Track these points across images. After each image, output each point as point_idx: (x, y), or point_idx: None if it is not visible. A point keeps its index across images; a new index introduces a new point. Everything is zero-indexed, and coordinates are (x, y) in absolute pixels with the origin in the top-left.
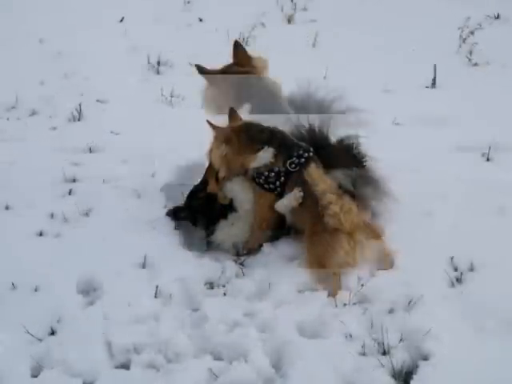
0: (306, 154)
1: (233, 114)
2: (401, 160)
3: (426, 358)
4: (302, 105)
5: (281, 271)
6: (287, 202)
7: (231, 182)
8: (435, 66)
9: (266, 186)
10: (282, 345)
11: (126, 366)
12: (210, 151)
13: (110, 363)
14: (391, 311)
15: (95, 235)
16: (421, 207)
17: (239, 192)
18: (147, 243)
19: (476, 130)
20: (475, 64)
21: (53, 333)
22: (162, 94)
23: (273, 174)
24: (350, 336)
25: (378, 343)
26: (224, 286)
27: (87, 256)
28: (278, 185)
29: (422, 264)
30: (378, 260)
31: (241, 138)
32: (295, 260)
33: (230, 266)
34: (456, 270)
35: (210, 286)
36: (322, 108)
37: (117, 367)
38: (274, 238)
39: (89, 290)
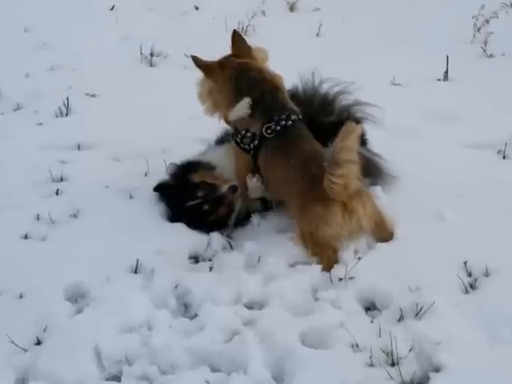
0: (284, 122)
1: (237, 38)
2: (411, 157)
3: (437, 370)
4: (305, 99)
5: (271, 244)
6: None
7: (216, 148)
8: (447, 57)
9: (241, 145)
10: (283, 355)
11: (117, 378)
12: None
13: (100, 375)
14: (400, 319)
15: (84, 238)
16: (433, 208)
17: (223, 158)
18: (139, 246)
19: (491, 126)
20: (490, 55)
21: (39, 343)
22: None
23: (249, 134)
24: (357, 346)
25: (387, 353)
26: (210, 260)
27: (75, 260)
28: (252, 147)
29: (434, 268)
30: (376, 231)
31: (226, 78)
32: (286, 232)
33: (217, 239)
34: (470, 275)
35: (195, 260)
36: (326, 102)
37: (107, 379)
38: (263, 209)
39: (77, 297)
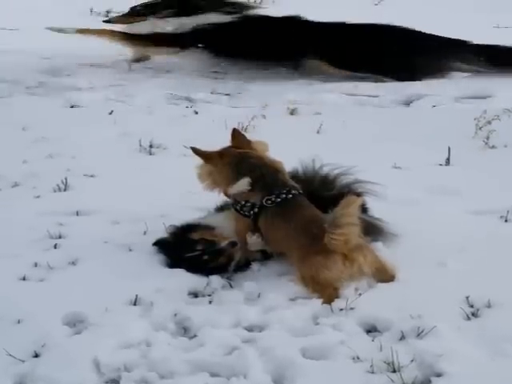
0: (284, 196)
1: (236, 134)
2: (412, 220)
3: (439, 375)
4: (305, 179)
5: (271, 283)
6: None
7: (216, 214)
8: (449, 148)
9: (241, 212)
10: (283, 365)
11: (115, 382)
12: (198, 169)
13: (98, 379)
14: (402, 339)
15: (82, 280)
16: (434, 259)
17: (223, 220)
18: (138, 285)
19: (493, 199)
20: (492, 146)
21: (37, 356)
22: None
23: (248, 204)
24: (358, 358)
25: (388, 363)
26: (210, 296)
27: (73, 296)
28: (252, 214)
29: (436, 302)
30: (377, 275)
31: (226, 163)
32: (286, 275)
33: (217, 279)
34: (472, 306)
35: (195, 295)
36: (327, 181)
37: (106, 382)
38: (263, 258)
39: (75, 322)
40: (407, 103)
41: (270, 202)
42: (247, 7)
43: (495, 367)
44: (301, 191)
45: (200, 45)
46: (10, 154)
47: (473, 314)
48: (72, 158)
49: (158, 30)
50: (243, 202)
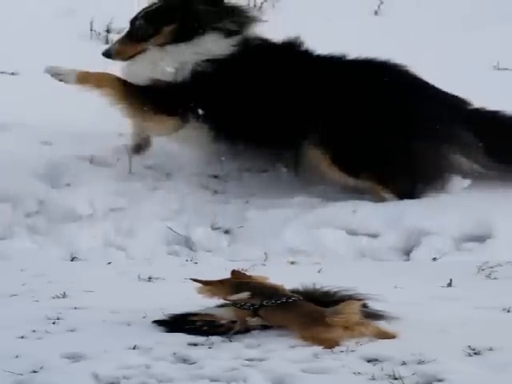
0: (284, 300)
1: (236, 272)
2: (415, 315)
3: (440, 381)
4: (305, 293)
5: (271, 339)
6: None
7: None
8: (451, 279)
9: (240, 308)
10: (283, 376)
11: None
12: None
13: None
14: (403, 364)
15: (80, 339)
16: (436, 328)
17: (223, 311)
18: (136, 340)
19: (495, 301)
20: (494, 278)
21: (34, 371)
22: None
23: (248, 304)
24: (359, 373)
25: (389, 376)
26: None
27: (71, 341)
28: (252, 308)
29: (437, 347)
30: (378, 336)
31: (226, 286)
32: (286, 336)
33: (216, 338)
34: (474, 349)
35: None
36: (327, 295)
37: None
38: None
39: (74, 357)
40: (407, 252)
41: (269, 303)
42: (247, 19)
43: (498, 378)
44: (301, 298)
45: (200, 111)
46: (8, 279)
47: (475, 353)
48: (70, 283)
49: (157, 73)
50: (243, 303)
